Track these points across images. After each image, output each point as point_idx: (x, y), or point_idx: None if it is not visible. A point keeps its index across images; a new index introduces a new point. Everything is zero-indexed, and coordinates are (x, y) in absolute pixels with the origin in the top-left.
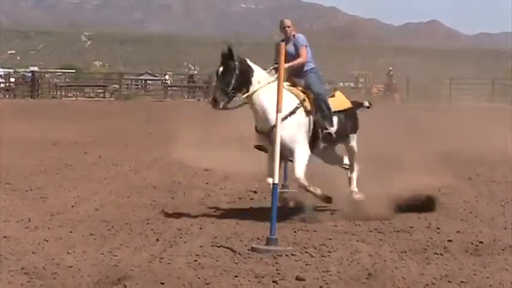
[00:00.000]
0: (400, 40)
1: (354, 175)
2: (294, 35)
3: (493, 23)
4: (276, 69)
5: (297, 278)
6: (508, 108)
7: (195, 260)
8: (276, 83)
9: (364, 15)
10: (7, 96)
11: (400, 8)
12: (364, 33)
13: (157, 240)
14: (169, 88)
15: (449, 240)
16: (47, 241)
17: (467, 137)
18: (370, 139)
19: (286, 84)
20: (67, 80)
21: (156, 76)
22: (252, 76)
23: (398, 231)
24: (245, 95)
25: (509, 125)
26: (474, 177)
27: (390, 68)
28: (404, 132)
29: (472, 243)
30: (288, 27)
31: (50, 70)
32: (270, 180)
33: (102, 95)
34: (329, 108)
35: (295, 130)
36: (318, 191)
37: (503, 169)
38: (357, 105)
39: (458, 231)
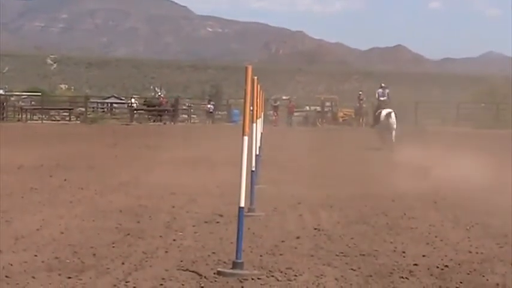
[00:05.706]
0: (366, 64)
1: None
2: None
3: (457, 49)
4: None
5: None
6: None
7: (161, 284)
8: None
9: (331, 40)
10: None
11: (366, 33)
12: (330, 57)
13: (123, 263)
14: (135, 111)
15: (415, 264)
16: (11, 265)
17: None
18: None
19: None
20: (33, 103)
21: (122, 99)
22: None
23: (364, 254)
24: None
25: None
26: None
27: (360, 92)
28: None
29: (437, 267)
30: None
31: (15, 93)
32: None
33: (68, 118)
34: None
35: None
36: None
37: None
38: None
39: (424, 255)
